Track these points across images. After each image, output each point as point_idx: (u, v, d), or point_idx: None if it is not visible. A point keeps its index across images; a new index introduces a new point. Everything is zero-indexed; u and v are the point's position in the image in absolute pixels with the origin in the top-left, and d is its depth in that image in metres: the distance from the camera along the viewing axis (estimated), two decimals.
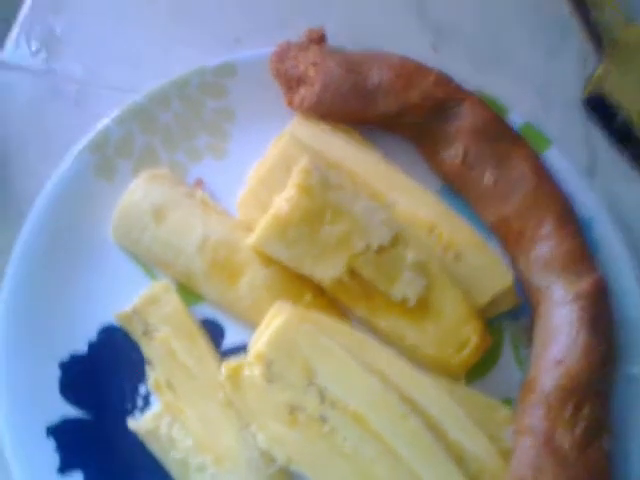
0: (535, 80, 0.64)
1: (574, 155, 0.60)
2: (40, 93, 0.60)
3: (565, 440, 0.46)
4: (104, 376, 0.50)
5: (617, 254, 0.55)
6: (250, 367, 0.46)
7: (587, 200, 0.56)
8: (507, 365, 0.54)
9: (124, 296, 0.51)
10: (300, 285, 0.51)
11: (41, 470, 0.46)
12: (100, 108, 0.57)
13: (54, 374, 0.49)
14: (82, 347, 0.50)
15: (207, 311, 0.52)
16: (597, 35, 0.66)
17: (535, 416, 0.47)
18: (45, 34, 0.62)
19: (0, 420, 0.46)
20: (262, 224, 0.49)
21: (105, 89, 0.59)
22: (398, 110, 0.55)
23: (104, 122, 0.54)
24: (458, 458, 0.47)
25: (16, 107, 0.59)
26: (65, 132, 0.57)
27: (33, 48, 0.62)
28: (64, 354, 0.50)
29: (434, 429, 0.47)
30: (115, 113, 0.55)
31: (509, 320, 0.55)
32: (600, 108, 0.64)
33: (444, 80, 0.55)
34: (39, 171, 0.55)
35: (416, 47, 0.61)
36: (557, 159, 0.57)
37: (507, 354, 0.54)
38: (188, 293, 0.52)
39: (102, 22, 0.62)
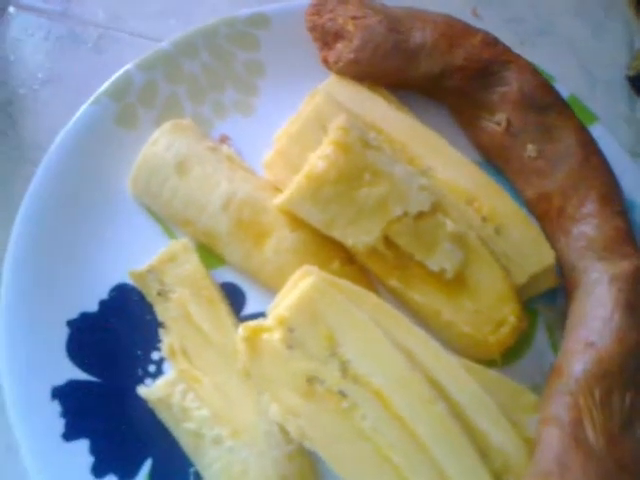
0: (579, 54, 0.63)
1: (617, 133, 0.58)
2: (58, 36, 0.57)
3: (593, 433, 0.43)
4: (114, 338, 0.48)
5: None
6: (270, 331, 0.44)
7: (632, 181, 0.54)
8: (541, 350, 0.52)
9: (140, 254, 0.49)
10: (329, 251, 0.49)
11: (45, 436, 0.43)
12: (122, 55, 0.55)
13: (62, 333, 0.46)
14: (93, 306, 0.48)
15: (228, 275, 0.50)
16: None
17: (561, 404, 0.45)
18: None
19: (3, 380, 0.43)
20: (294, 183, 0.47)
21: (128, 35, 0.57)
22: (441, 72, 0.53)
23: (126, 68, 0.51)
24: (483, 450, 0.45)
25: (31, 50, 0.57)
26: (83, 78, 0.56)
27: None
28: (73, 312, 0.47)
29: (460, 417, 0.45)
30: (139, 59, 0.52)
31: (545, 303, 0.53)
32: None
33: (491, 41, 0.53)
34: (53, 118, 0.53)
35: (458, 12, 0.58)
36: (602, 136, 0.55)
37: (541, 339, 0.52)
38: (209, 255, 0.50)
39: None
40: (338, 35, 0.53)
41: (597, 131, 0.55)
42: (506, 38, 0.56)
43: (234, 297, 0.50)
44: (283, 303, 0.45)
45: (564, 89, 0.56)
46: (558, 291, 0.52)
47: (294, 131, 0.50)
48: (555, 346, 0.51)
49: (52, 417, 0.44)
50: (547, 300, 0.53)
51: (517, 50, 0.54)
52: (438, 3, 0.57)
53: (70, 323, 0.47)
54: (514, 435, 0.46)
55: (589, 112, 0.56)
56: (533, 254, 0.50)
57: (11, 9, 0.57)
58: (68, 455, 0.43)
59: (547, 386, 0.48)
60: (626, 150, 0.57)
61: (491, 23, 0.60)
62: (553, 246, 0.52)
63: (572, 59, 0.62)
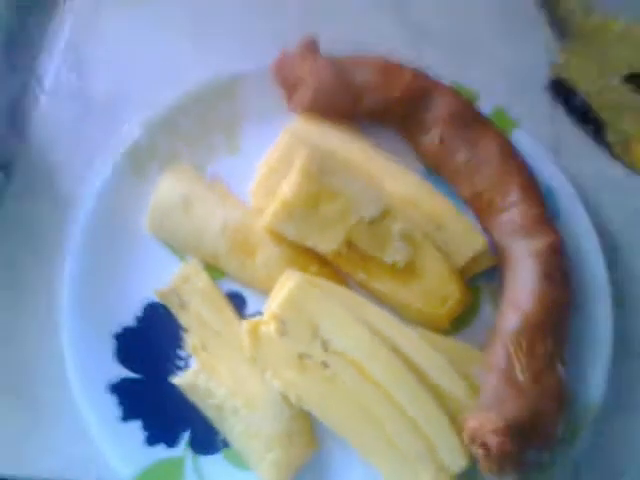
0: (504, 68, 0.72)
1: (541, 135, 0.67)
2: (78, 112, 0.69)
3: (522, 374, 0.54)
4: (150, 343, 0.58)
5: (577, 219, 0.63)
6: (266, 324, 0.54)
7: (550, 172, 0.64)
8: (486, 318, 0.61)
9: (161, 277, 0.60)
10: (307, 258, 0.59)
11: (108, 419, 0.55)
12: (128, 119, 0.66)
13: (111, 344, 0.59)
14: (131, 321, 0.59)
15: (230, 285, 0.61)
16: (560, 25, 0.74)
17: (497, 355, 0.55)
18: (78, 64, 0.72)
19: (71, 381, 0.56)
20: (271, 208, 0.58)
21: (132, 103, 0.69)
22: (382, 104, 0.63)
23: (134, 131, 0.63)
24: (437, 395, 0.55)
25: (58, 125, 0.69)
26: (100, 141, 0.66)
27: (69, 75, 0.71)
28: (117, 327, 0.59)
29: (416, 372, 0.55)
30: (143, 122, 0.64)
31: (487, 280, 0.63)
32: (562, 91, 0.72)
33: (420, 75, 0.63)
34: (80, 172, 0.65)
35: (397, 45, 0.70)
36: (524, 138, 0.65)
37: (486, 309, 0.62)
38: (213, 270, 0.61)
39: (124, 49, 0.72)
40: (298, 84, 0.64)
41: (519, 134, 0.65)
42: (439, 60, 0.67)
43: (236, 301, 0.60)
44: (274, 302, 0.56)
45: (489, 102, 0.66)
46: (497, 269, 0.61)
47: (269, 165, 0.60)
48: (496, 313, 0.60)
49: (111, 405, 0.55)
50: (488, 277, 0.62)
51: (449, 69, 0.65)
52: (380, 42, 0.68)
53: (116, 336, 0.59)
54: (462, 383, 0.55)
55: (511, 119, 0.67)
56: (468, 242, 0.60)
57: (40, 96, 0.69)
58: (127, 432, 0.55)
59: (487, 343, 0.57)
60: (548, 147, 0.67)
61: (426, 50, 0.71)
62: (488, 233, 0.61)
63: (498, 73, 0.72)
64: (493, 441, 0.53)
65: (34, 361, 0.60)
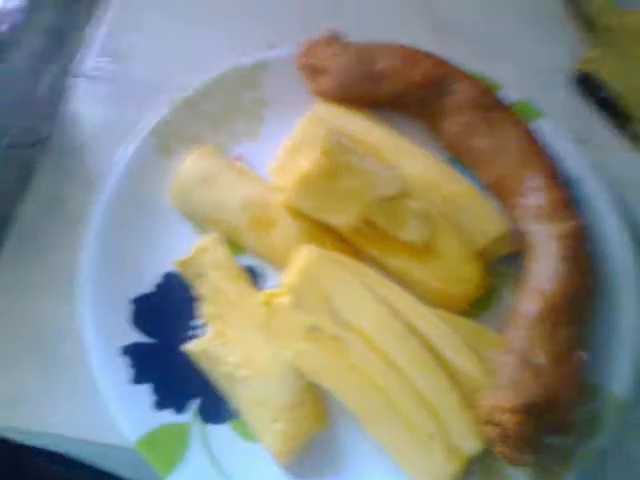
0: (529, 62, 0.73)
1: (567, 127, 0.68)
2: (111, 95, 0.73)
3: (541, 357, 0.52)
4: (167, 310, 0.59)
5: (602, 207, 0.62)
6: (281, 296, 0.55)
7: (575, 161, 0.64)
8: (506, 305, 0.60)
9: (181, 248, 0.61)
10: (324, 234, 0.60)
11: (119, 381, 0.56)
12: (159, 104, 0.67)
13: (128, 308, 0.59)
14: (149, 288, 0.60)
15: (248, 260, 0.62)
16: (586, 20, 0.75)
17: (517, 337, 0.54)
18: (114, 49, 0.76)
19: (85, 340, 0.57)
20: (290, 183, 0.59)
21: (162, 87, 0.71)
22: (403, 89, 0.64)
23: (162, 112, 0.66)
24: (451, 375, 0.54)
25: (92, 107, 0.72)
26: (131, 124, 0.67)
27: (105, 60, 0.75)
28: (135, 293, 0.60)
29: (431, 351, 0.54)
30: (170, 104, 0.66)
31: (510, 265, 0.62)
32: (589, 85, 0.72)
33: (440, 61, 0.64)
34: (110, 153, 0.66)
35: (421, 36, 0.71)
36: (547, 128, 0.65)
37: (506, 296, 0.61)
38: (233, 246, 0.62)
39: (159, 37, 0.76)
40: (322, 70, 0.66)
41: (543, 124, 0.65)
42: (463, 55, 0.67)
43: (255, 277, 0.61)
44: (289, 274, 0.56)
45: (513, 95, 0.67)
46: (519, 257, 0.60)
47: (290, 145, 0.62)
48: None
49: (124, 367, 0.56)
50: (510, 264, 0.61)
51: (474, 66, 0.66)
52: (405, 35, 0.69)
53: (133, 301, 0.59)
54: (478, 363, 0.54)
55: (535, 110, 0.67)
56: (488, 224, 0.60)
57: (77, 78, 0.73)
58: (137, 395, 0.55)
59: (507, 326, 0.56)
60: (574, 138, 0.67)
61: (450, 44, 0.72)
62: (512, 218, 0.61)
63: (525, 68, 0.72)
64: (509, 420, 0.51)
65: (52, 321, 0.62)
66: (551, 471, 0.56)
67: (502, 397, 0.53)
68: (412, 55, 0.65)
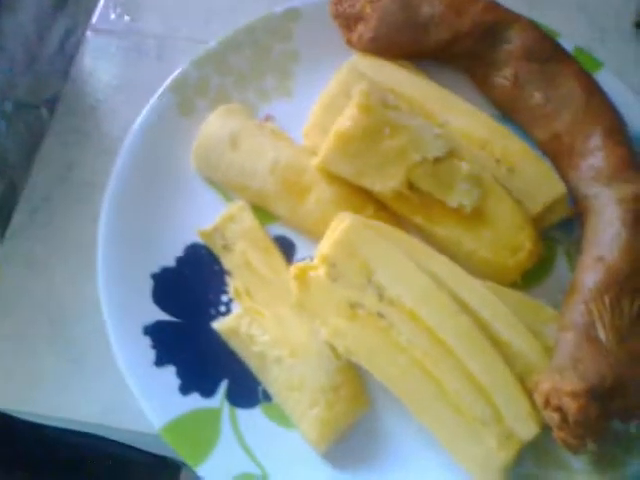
0: (587, 8, 0.67)
1: (627, 77, 0.62)
2: (125, 50, 0.67)
3: (604, 332, 0.47)
4: (191, 286, 0.55)
5: None
6: (315, 269, 0.50)
7: (637, 116, 0.58)
8: (561, 274, 0.56)
9: (205, 217, 0.56)
10: (362, 200, 0.55)
11: (141, 363, 0.51)
12: (178, 59, 0.62)
13: (148, 284, 0.55)
14: (171, 261, 0.56)
15: (279, 229, 0.57)
16: None
17: (576, 312, 0.49)
18: (127, 0, 0.70)
19: (105, 321, 0.52)
20: (326, 143, 0.53)
21: (182, 41, 0.66)
22: (450, 38, 0.58)
23: (183, 67, 0.60)
24: (505, 355, 0.49)
25: (106, 64, 0.67)
26: (148, 82, 0.62)
27: (118, 12, 0.69)
28: (156, 267, 0.55)
29: (483, 328, 0.50)
30: (192, 58, 0.60)
31: (564, 233, 0.57)
32: None
33: (492, 5, 0.58)
34: (127, 115, 0.61)
35: None
36: (608, 79, 0.59)
37: (561, 265, 0.57)
38: (261, 213, 0.57)
39: None
40: (358, 18, 0.60)
41: (603, 76, 0.59)
42: (519, 2, 0.61)
43: (285, 247, 0.56)
44: (325, 244, 0.51)
45: (569, 42, 0.60)
46: (575, 222, 0.56)
47: (325, 102, 0.56)
48: (573, 269, 0.54)
49: (145, 348, 0.52)
50: (565, 230, 0.57)
51: (527, 12, 0.60)
52: None
53: (154, 276, 0.55)
54: (534, 341, 0.50)
55: (594, 60, 0.61)
56: (544, 187, 0.55)
57: (88, 33, 0.68)
58: (160, 378, 0.51)
59: (565, 300, 0.51)
60: (636, 90, 0.61)
61: None
62: (566, 180, 0.56)
63: (581, 15, 0.67)
64: (571, 405, 0.46)
65: (70, 298, 0.58)
66: (613, 457, 0.51)
67: (562, 379, 0.48)
68: (459, 0, 0.58)
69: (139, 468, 0.78)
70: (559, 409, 0.47)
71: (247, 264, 0.55)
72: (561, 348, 0.49)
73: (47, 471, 0.71)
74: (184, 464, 0.50)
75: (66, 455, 0.70)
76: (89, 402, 0.55)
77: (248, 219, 0.56)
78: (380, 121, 0.53)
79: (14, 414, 0.56)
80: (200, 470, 0.49)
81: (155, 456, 0.65)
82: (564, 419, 0.47)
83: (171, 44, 0.66)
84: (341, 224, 0.52)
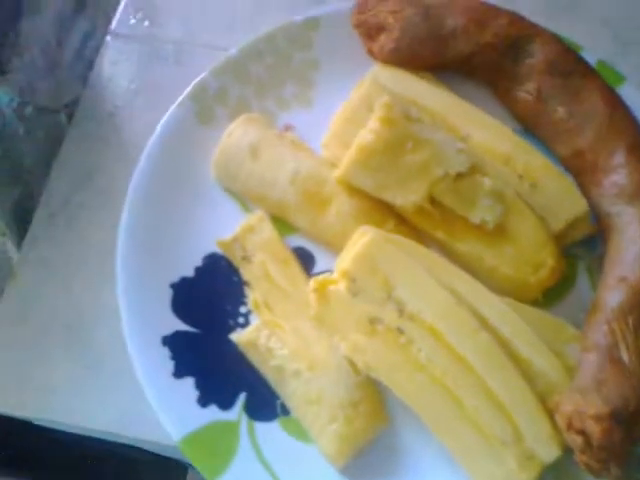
0: (609, 21, 0.66)
1: None
2: (144, 56, 0.67)
3: (627, 354, 0.47)
4: (209, 297, 0.55)
5: None
6: (335, 283, 0.49)
7: None
8: (582, 292, 0.56)
9: (224, 227, 0.56)
10: (383, 213, 0.54)
11: (159, 374, 0.51)
12: (197, 65, 0.62)
13: (167, 293, 0.54)
14: (190, 271, 0.55)
15: (298, 241, 0.57)
16: None
17: (599, 332, 0.48)
18: (147, 5, 0.69)
19: (124, 331, 0.52)
20: (347, 156, 0.53)
21: (202, 48, 0.65)
22: (472, 50, 0.58)
23: (203, 75, 0.60)
24: (526, 374, 0.49)
25: (125, 69, 0.66)
26: (167, 88, 0.62)
27: (138, 17, 0.69)
28: (175, 277, 0.55)
29: (504, 346, 0.49)
30: (212, 66, 0.60)
31: (585, 249, 0.57)
32: None
33: (515, 19, 0.57)
34: (146, 122, 0.60)
35: None
36: (631, 93, 0.59)
37: (583, 282, 0.56)
38: (281, 225, 0.56)
39: None
40: (380, 28, 0.59)
41: (626, 90, 0.59)
42: (537, 13, 0.60)
43: (305, 259, 0.56)
44: (346, 259, 0.51)
45: (591, 56, 0.60)
46: (597, 238, 0.55)
47: (346, 114, 0.56)
48: (595, 287, 0.53)
49: (164, 359, 0.51)
50: (587, 247, 0.56)
51: (549, 24, 0.59)
52: None
53: (173, 285, 0.54)
54: (555, 360, 0.49)
55: (617, 73, 0.60)
56: (567, 204, 0.54)
57: (107, 38, 0.68)
58: (178, 389, 0.51)
59: (587, 320, 0.51)
60: None
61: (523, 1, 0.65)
62: (588, 197, 0.55)
63: (604, 28, 0.66)
64: (595, 429, 0.46)
65: (87, 304, 0.58)
66: None
67: (585, 401, 0.47)
68: (485, 10, 0.58)
69: (146, 468, 0.78)
70: (582, 432, 0.46)
71: (266, 276, 0.54)
72: (583, 369, 0.49)
73: (53, 471, 0.71)
74: (191, 465, 0.50)
75: (72, 455, 0.69)
76: (105, 409, 0.54)
77: (267, 230, 0.56)
78: (403, 134, 0.52)
79: (28, 420, 0.56)
80: None
81: (162, 456, 0.65)
82: (587, 443, 0.46)
83: (190, 50, 0.66)
84: (362, 238, 0.51)
